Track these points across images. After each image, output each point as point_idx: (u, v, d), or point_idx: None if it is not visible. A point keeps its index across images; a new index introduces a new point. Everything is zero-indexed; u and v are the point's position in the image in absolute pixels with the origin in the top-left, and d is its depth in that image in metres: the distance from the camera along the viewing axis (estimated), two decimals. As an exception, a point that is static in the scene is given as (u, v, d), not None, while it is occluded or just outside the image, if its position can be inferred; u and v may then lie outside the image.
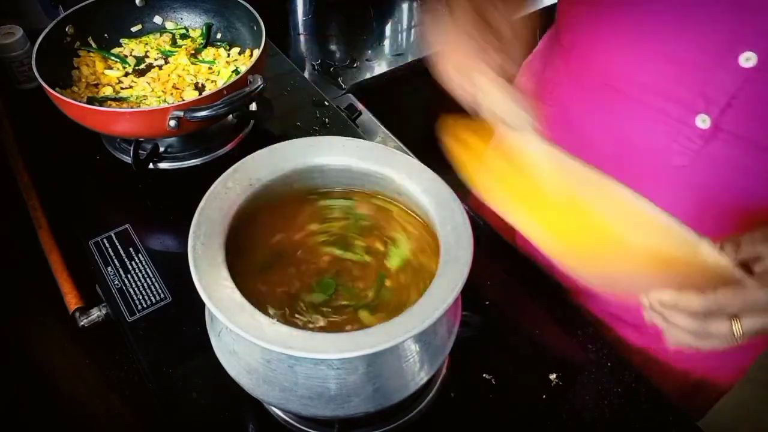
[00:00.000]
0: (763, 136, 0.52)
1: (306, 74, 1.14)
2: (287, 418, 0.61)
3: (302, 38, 1.28)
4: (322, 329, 0.51)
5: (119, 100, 0.85)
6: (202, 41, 0.94)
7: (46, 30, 0.84)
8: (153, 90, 0.87)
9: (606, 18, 0.58)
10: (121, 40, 0.94)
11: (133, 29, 0.96)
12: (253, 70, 0.79)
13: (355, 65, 1.19)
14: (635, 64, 0.56)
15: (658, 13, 0.53)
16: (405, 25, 1.34)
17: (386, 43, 1.27)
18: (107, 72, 0.89)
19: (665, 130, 0.56)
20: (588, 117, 0.63)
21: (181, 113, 0.74)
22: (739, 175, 0.55)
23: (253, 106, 0.84)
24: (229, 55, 0.93)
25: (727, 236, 0.48)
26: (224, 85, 0.77)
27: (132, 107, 0.83)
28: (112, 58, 0.91)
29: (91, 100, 0.84)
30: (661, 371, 0.75)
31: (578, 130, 0.65)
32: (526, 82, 0.75)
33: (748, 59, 0.49)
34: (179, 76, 0.89)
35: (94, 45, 0.92)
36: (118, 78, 0.89)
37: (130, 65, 0.91)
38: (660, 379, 0.67)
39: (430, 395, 0.62)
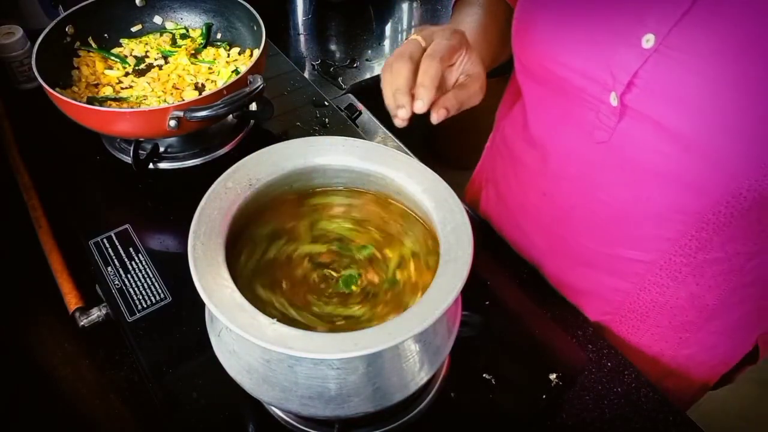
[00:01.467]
0: (666, 116, 0.55)
1: (306, 74, 1.14)
2: (287, 418, 0.61)
3: (302, 38, 1.28)
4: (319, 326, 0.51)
5: (119, 100, 0.85)
6: (202, 41, 0.94)
7: (46, 30, 0.84)
8: (153, 90, 0.87)
9: (534, 2, 0.64)
10: (121, 40, 0.94)
11: (133, 29, 0.96)
12: (253, 70, 0.79)
13: (355, 65, 1.19)
14: (558, 45, 0.61)
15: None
16: (405, 25, 1.34)
17: (386, 43, 1.27)
18: (107, 72, 0.89)
19: (588, 107, 0.61)
20: (532, 93, 0.70)
21: (181, 113, 0.74)
22: (650, 153, 0.58)
23: (253, 106, 0.84)
24: (229, 55, 0.93)
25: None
26: (224, 85, 0.77)
27: (132, 107, 0.83)
28: (112, 58, 0.91)
29: (91, 100, 0.84)
30: (657, 369, 0.76)
31: (526, 106, 0.72)
32: None
33: (648, 41, 0.54)
34: (179, 76, 0.89)
35: (94, 45, 0.92)
36: (118, 78, 0.89)
37: (130, 65, 0.91)
38: (652, 374, 0.69)
39: (430, 395, 0.62)
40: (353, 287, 0.54)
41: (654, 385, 0.67)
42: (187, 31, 0.97)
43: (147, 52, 0.93)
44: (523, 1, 0.66)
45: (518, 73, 0.71)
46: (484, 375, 0.65)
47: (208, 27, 0.96)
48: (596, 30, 0.58)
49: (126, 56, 0.92)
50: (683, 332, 0.73)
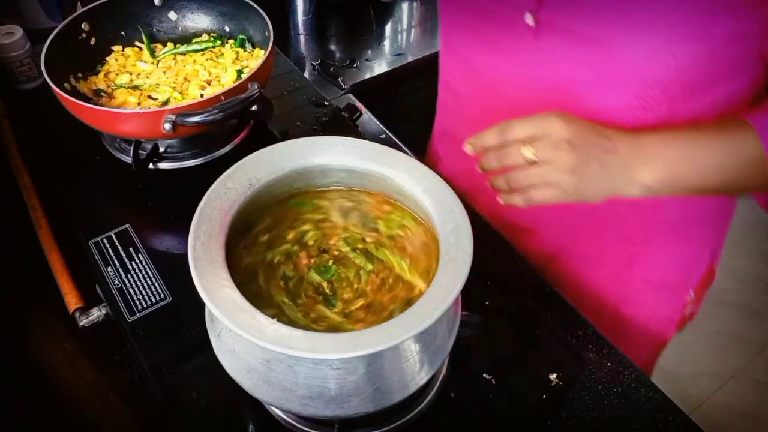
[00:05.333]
0: (581, 27, 0.58)
1: (306, 74, 1.14)
2: (287, 418, 0.61)
3: (302, 38, 1.28)
4: (318, 322, 0.51)
5: (134, 88, 0.86)
6: (221, 45, 0.95)
7: (60, 26, 0.84)
8: (167, 78, 0.87)
9: None
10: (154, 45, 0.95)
11: (154, 29, 0.96)
12: (255, 77, 0.79)
13: (355, 65, 1.19)
14: None
15: None
16: (405, 25, 1.34)
17: (386, 43, 1.27)
18: (139, 64, 0.90)
19: (507, 30, 0.64)
20: (456, 26, 0.74)
21: (174, 117, 0.74)
22: (571, 66, 0.62)
23: (253, 107, 0.84)
24: (237, 56, 0.93)
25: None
26: (223, 91, 0.76)
27: (140, 97, 0.84)
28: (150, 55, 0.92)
29: (98, 92, 0.85)
30: (613, 300, 0.79)
31: (457, 45, 0.76)
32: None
33: None
34: (193, 69, 0.90)
35: (144, 39, 0.94)
36: (142, 70, 0.90)
37: (155, 62, 0.92)
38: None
39: (430, 395, 0.62)
40: (351, 285, 0.54)
41: (654, 384, 0.67)
42: (215, 41, 0.97)
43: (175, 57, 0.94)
44: None
45: (441, 11, 0.75)
46: (484, 375, 0.65)
47: (240, 40, 0.96)
48: None
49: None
50: (630, 246, 0.74)
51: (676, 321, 0.84)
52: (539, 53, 0.63)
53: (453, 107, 0.84)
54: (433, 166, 0.95)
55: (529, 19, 0.60)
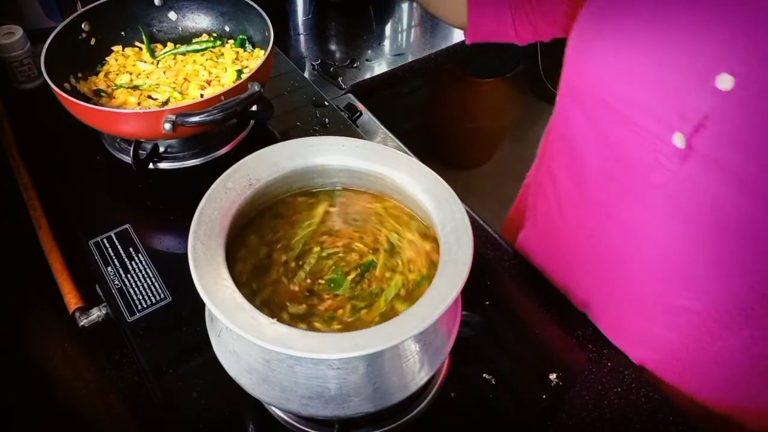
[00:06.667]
0: (737, 162, 0.51)
1: (306, 74, 1.14)
2: (287, 418, 0.61)
3: (302, 38, 1.28)
4: (318, 326, 0.51)
5: (134, 88, 0.86)
6: (221, 45, 0.95)
7: (61, 26, 0.85)
8: (167, 78, 0.88)
9: (597, 30, 0.59)
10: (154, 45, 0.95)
11: (153, 30, 0.97)
12: (255, 77, 0.79)
13: (355, 65, 1.19)
14: (621, 77, 0.57)
15: (643, 29, 0.55)
16: (405, 25, 1.34)
17: (386, 43, 1.27)
18: (139, 64, 0.91)
19: (646, 146, 0.56)
20: (581, 129, 0.64)
21: (174, 117, 0.74)
22: (716, 200, 0.54)
23: (254, 107, 0.84)
24: (237, 57, 0.93)
25: None
26: (223, 91, 0.77)
27: (140, 97, 0.85)
28: (150, 55, 0.92)
29: (98, 92, 0.86)
30: (705, 414, 0.71)
31: (573, 142, 0.67)
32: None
33: (724, 81, 0.49)
34: (193, 69, 0.90)
35: (145, 39, 0.94)
36: (142, 70, 0.90)
37: (158, 59, 0.92)
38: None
39: (430, 395, 0.62)
40: (352, 285, 0.54)
41: (654, 384, 0.67)
42: (215, 41, 0.97)
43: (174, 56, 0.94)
44: (582, 28, 0.62)
45: (565, 103, 0.67)
46: (484, 375, 0.65)
47: (241, 41, 0.96)
48: (666, 64, 0.53)
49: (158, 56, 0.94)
50: (734, 380, 0.68)
51: None
52: (676, 177, 0.56)
53: (548, 198, 0.76)
54: (512, 227, 0.88)
55: (678, 141, 0.53)
